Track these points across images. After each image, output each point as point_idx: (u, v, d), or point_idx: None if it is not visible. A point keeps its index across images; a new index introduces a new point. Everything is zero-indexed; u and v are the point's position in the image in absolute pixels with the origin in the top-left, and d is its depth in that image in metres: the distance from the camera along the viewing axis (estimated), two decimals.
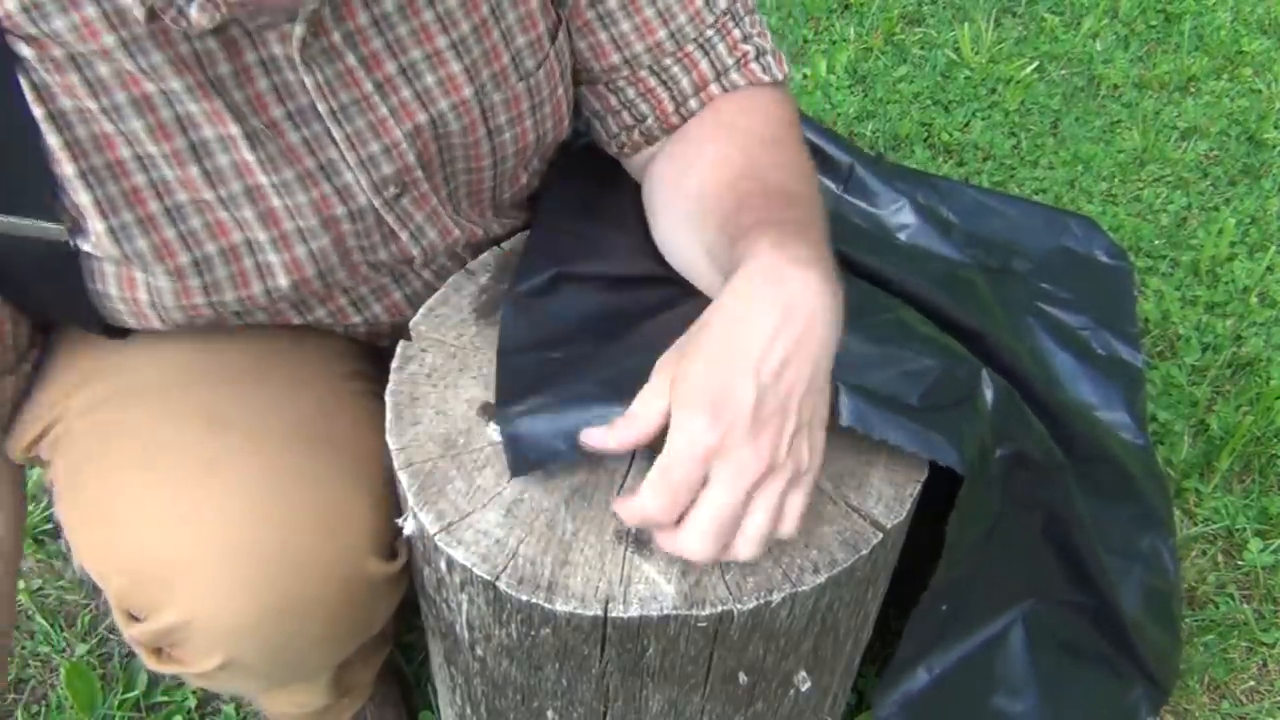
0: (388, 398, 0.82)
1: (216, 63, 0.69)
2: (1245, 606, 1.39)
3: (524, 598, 0.72)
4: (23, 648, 1.34)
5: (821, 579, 0.74)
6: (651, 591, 0.72)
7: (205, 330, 0.84)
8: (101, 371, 0.85)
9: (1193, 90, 2.14)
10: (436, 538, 0.74)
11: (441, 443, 0.79)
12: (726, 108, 0.87)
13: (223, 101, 0.70)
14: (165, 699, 1.30)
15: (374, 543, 0.82)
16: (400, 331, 0.87)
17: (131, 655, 1.31)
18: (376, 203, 0.79)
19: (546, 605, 0.72)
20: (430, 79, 0.77)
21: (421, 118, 0.78)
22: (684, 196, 0.84)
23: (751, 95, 0.87)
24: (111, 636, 1.34)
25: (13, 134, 0.68)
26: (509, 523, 0.75)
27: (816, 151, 1.21)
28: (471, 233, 0.89)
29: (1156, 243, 1.83)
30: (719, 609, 0.72)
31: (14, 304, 0.81)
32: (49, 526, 1.43)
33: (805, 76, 2.11)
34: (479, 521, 0.75)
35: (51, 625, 1.35)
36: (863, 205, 1.22)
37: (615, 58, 0.86)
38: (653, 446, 0.67)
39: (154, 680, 1.31)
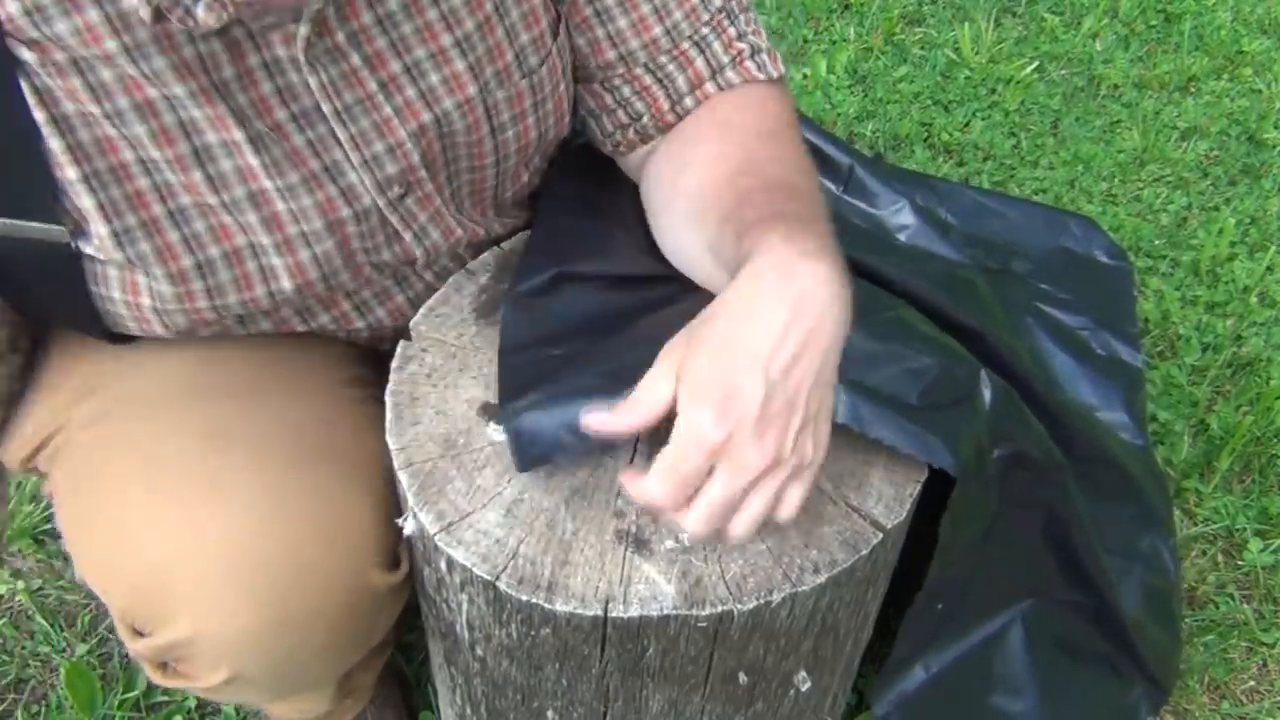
0: (388, 398, 0.82)
1: (220, 66, 0.69)
2: (1245, 606, 1.39)
3: (524, 598, 0.72)
4: (23, 648, 1.34)
5: (821, 579, 0.74)
6: (651, 591, 0.72)
7: (207, 340, 0.84)
8: (103, 383, 0.85)
9: (1193, 90, 2.14)
10: (436, 538, 0.74)
11: (441, 443, 0.79)
12: (722, 105, 0.87)
13: (226, 106, 0.70)
14: (165, 699, 1.29)
15: (376, 553, 0.81)
16: (402, 335, 0.87)
17: None
18: (381, 203, 0.79)
19: (546, 605, 0.72)
20: (434, 78, 0.77)
21: (426, 117, 0.78)
22: (683, 195, 0.84)
23: (747, 93, 0.87)
24: (111, 636, 1.34)
25: (14, 137, 0.68)
26: (509, 523, 0.75)
27: (816, 152, 1.21)
28: (474, 232, 0.89)
29: (1156, 243, 1.83)
30: (719, 609, 0.72)
31: (14, 307, 0.81)
32: (49, 527, 1.43)
33: (805, 76, 2.11)
34: (479, 521, 0.75)
35: (51, 625, 1.35)
36: (862, 206, 1.22)
37: (611, 54, 0.86)
38: (654, 433, 0.67)
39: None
